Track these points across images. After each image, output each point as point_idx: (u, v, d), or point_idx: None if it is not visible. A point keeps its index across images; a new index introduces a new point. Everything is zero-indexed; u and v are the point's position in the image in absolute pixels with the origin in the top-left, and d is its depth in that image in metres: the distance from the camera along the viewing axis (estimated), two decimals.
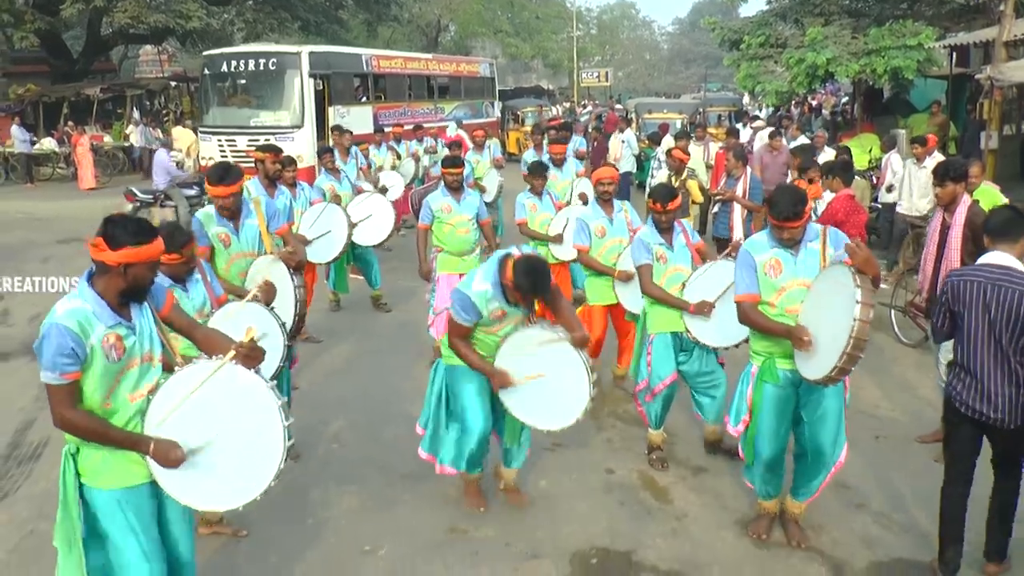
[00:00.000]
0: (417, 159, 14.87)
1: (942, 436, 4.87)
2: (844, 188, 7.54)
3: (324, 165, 10.28)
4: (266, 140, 18.94)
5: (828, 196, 7.81)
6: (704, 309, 5.71)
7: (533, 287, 4.58)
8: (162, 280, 4.02)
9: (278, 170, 7.76)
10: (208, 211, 5.88)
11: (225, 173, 5.79)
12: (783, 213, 4.45)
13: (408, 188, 13.87)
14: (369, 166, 12.42)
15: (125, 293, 3.40)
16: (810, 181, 8.13)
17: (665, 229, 5.96)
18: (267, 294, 5.23)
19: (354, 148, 11.96)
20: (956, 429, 4.45)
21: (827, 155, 11.15)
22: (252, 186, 7.26)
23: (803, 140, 13.49)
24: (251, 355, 3.45)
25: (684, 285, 5.90)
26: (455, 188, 7.93)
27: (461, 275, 7.03)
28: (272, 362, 4.80)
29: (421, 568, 4.83)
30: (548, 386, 4.81)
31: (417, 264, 8.32)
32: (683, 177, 10.20)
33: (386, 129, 16.30)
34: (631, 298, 6.58)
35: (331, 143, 12.17)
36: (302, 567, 4.83)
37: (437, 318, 7.74)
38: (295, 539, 5.13)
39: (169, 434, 3.40)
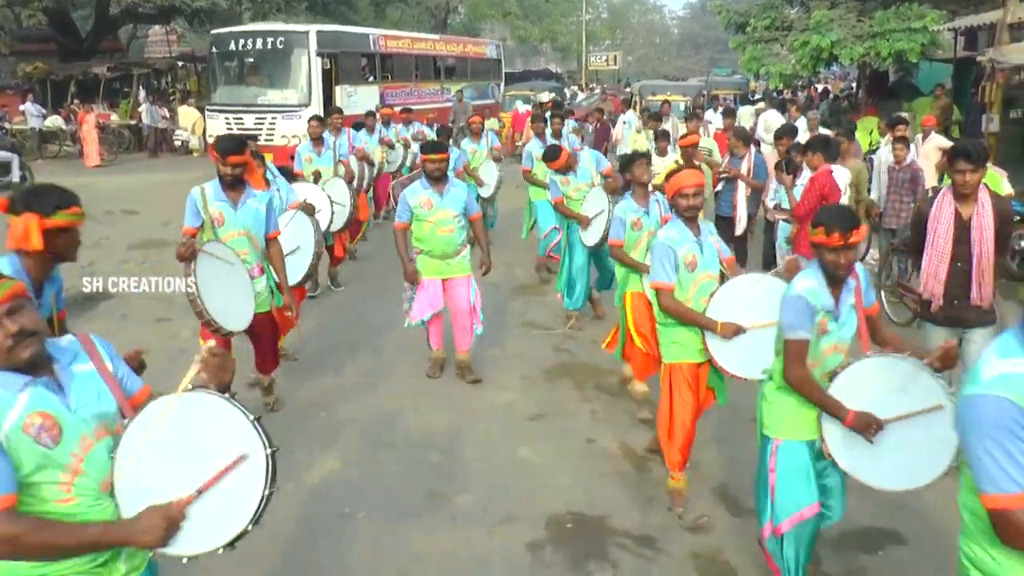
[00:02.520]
0: (407, 146, 13.58)
1: None
2: (824, 164, 7.51)
3: (311, 133, 10.14)
4: (273, 119, 19.12)
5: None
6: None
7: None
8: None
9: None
10: (206, 187, 5.73)
11: (235, 143, 5.81)
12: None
13: (392, 177, 12.97)
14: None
15: None
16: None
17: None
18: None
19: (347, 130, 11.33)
20: None
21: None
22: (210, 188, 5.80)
23: (803, 122, 13.47)
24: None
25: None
26: (437, 179, 6.79)
27: (445, 280, 6.96)
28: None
29: (399, 531, 4.92)
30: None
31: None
32: (698, 164, 9.16)
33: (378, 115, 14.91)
34: (734, 356, 4.79)
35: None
36: (281, 529, 4.91)
37: (431, 326, 7.08)
38: (275, 502, 5.18)
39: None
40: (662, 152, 10.57)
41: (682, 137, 10.09)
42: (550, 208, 9.45)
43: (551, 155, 8.65)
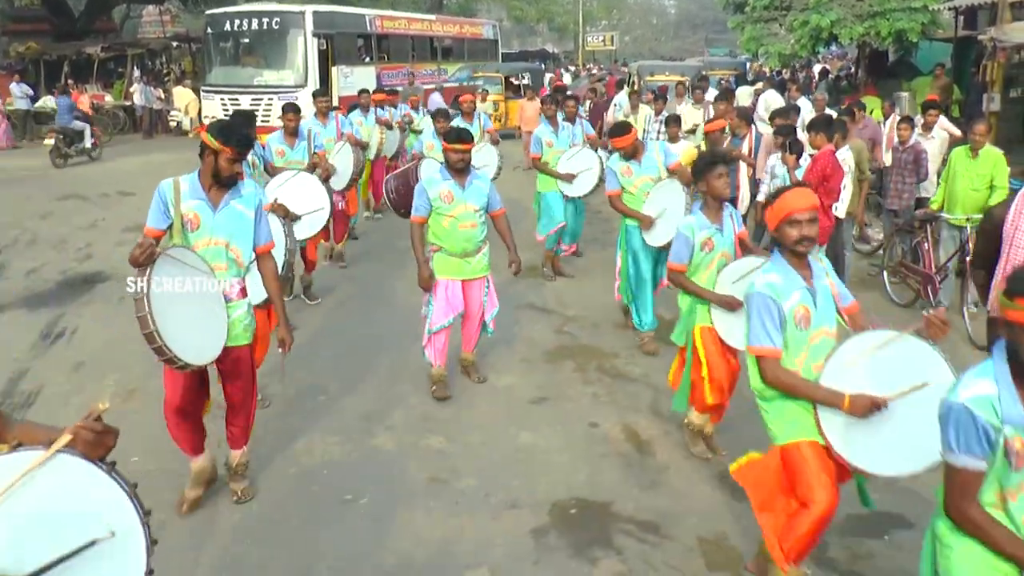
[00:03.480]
0: (403, 129, 12.83)
1: None
2: (827, 144, 7.53)
3: (286, 125, 8.65)
4: (269, 99, 18.96)
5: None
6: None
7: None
8: None
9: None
10: (182, 181, 4.55)
11: (249, 125, 5.47)
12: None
13: (385, 165, 12.22)
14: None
15: None
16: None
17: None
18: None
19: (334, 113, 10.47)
20: None
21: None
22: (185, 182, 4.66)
23: (804, 102, 13.39)
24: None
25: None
26: (460, 170, 6.19)
27: (465, 282, 6.36)
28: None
29: (401, 517, 4.88)
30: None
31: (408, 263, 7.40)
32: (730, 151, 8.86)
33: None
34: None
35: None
36: (284, 515, 4.88)
37: (434, 337, 6.41)
38: (278, 488, 5.18)
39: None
40: (673, 138, 10.23)
41: (709, 121, 9.83)
42: (560, 200, 9.29)
43: (619, 131, 7.42)
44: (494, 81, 24.44)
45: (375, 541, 4.64)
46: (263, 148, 8.12)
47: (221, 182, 4.53)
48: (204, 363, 4.49)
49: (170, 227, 4.49)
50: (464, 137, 6.19)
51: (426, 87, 20.69)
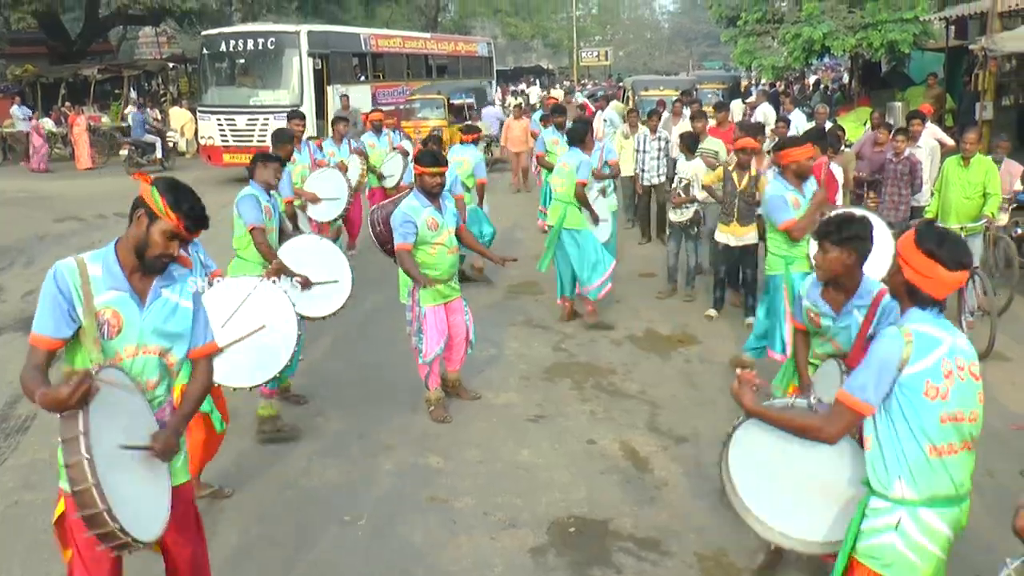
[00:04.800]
0: (405, 154, 11.29)
1: None
2: (820, 156, 7.65)
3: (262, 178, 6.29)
4: (265, 119, 18.98)
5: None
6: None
7: None
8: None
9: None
10: (89, 262, 3.09)
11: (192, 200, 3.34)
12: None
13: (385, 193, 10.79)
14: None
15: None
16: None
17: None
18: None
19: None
20: None
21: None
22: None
23: (799, 114, 13.46)
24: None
25: None
26: (436, 194, 6.13)
27: (447, 305, 6.35)
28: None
29: (399, 537, 4.86)
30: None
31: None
32: (751, 174, 8.21)
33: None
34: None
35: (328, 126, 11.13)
36: (282, 537, 4.86)
37: (434, 365, 6.39)
38: (276, 509, 5.17)
39: None
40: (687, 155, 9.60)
41: (738, 139, 9.46)
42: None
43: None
44: (434, 104, 20.22)
45: (374, 561, 4.63)
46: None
47: (146, 265, 3.14)
48: (152, 539, 2.99)
49: (75, 333, 3.05)
50: (440, 160, 6.15)
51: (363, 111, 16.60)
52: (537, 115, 16.00)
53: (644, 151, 11.52)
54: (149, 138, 21.96)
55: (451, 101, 20.27)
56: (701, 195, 8.96)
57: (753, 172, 8.16)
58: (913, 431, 2.87)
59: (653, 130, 11.48)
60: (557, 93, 36.07)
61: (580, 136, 8.48)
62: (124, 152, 21.64)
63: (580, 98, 24.79)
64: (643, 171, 11.56)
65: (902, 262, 2.97)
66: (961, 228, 7.78)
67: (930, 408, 2.86)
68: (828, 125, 11.54)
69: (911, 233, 3.00)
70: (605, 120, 16.05)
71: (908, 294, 2.98)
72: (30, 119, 23.56)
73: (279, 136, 7.98)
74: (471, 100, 20.79)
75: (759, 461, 3.36)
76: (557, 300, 8.85)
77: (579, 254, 8.23)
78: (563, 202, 8.34)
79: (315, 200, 9.07)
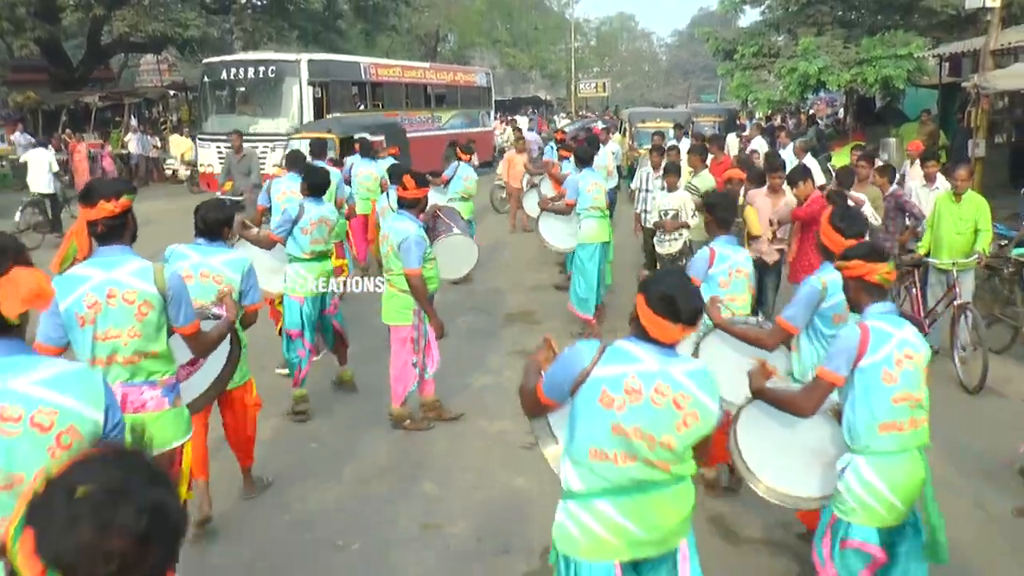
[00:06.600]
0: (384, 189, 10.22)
1: None
2: (813, 190, 7.89)
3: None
4: (264, 147, 19.08)
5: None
6: None
7: None
8: None
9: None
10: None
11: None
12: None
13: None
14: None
15: None
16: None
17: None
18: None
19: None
20: None
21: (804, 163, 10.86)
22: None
23: (788, 153, 13.49)
24: None
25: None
26: (422, 209, 6.61)
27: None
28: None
29: (393, 563, 4.89)
30: None
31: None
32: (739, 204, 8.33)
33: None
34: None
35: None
36: (277, 562, 4.88)
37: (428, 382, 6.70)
38: (269, 535, 5.19)
39: None
40: (671, 188, 9.59)
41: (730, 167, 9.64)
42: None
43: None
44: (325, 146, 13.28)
45: None
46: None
47: None
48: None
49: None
50: (424, 183, 6.48)
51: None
52: (550, 147, 15.67)
53: (647, 190, 11.06)
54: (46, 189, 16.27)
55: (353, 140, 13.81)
56: (693, 221, 8.96)
57: (740, 202, 8.29)
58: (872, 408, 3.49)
59: (655, 166, 11.18)
60: (563, 123, 36.43)
61: (589, 157, 9.49)
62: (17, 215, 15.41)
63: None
64: (646, 212, 10.85)
65: (822, 234, 4.36)
66: (953, 264, 7.87)
67: (885, 390, 3.47)
68: (807, 159, 11.63)
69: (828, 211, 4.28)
70: (613, 153, 14.89)
71: (848, 284, 3.70)
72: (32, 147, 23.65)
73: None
74: (380, 139, 15.00)
75: (761, 435, 3.91)
76: (587, 316, 9.25)
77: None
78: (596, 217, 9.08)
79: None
